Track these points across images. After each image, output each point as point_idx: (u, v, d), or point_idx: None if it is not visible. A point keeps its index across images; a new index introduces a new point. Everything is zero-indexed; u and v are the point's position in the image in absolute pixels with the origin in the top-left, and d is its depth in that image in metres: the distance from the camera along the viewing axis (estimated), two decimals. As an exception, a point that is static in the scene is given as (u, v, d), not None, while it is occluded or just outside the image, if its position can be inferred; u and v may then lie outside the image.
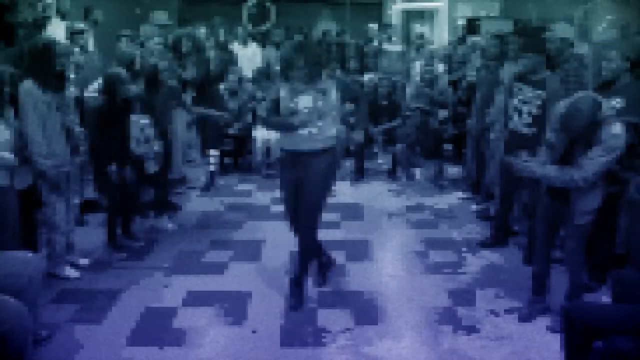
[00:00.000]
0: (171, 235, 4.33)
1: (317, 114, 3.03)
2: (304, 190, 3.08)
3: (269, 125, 3.33)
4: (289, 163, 3.14)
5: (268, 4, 8.67)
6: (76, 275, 3.56)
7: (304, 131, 3.03)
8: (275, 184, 5.62)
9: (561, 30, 4.16)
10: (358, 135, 5.71)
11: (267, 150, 5.97)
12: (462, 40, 7.03)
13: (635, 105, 3.19)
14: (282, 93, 3.11)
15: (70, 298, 3.31)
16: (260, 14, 8.34)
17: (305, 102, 3.05)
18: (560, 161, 2.87)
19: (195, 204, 5.07)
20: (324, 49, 3.10)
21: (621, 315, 2.29)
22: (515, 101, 3.73)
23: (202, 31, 6.53)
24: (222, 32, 7.29)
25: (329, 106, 3.07)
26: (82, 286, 3.46)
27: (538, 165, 2.92)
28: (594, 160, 2.72)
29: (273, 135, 5.92)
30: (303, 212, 3.11)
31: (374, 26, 8.36)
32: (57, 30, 5.68)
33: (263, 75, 6.22)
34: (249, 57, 6.79)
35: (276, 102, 3.12)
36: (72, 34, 5.22)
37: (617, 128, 2.71)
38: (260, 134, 5.94)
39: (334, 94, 3.09)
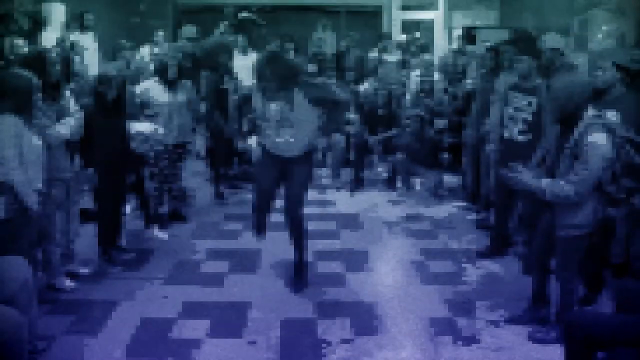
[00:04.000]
0: (168, 245, 4.34)
1: (287, 121, 3.39)
2: (289, 186, 3.55)
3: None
4: (271, 162, 3.57)
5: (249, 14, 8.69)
6: (72, 286, 3.56)
7: (281, 139, 3.44)
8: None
9: (550, 40, 4.21)
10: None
11: None
12: (461, 52, 7.09)
13: (629, 118, 3.17)
14: (257, 99, 3.48)
15: (67, 309, 3.31)
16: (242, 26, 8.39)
17: (273, 109, 3.40)
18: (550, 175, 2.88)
19: (192, 213, 5.08)
20: (293, 64, 3.57)
21: (624, 326, 2.29)
22: (510, 110, 3.79)
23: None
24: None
25: (299, 115, 3.39)
26: (78, 297, 3.46)
27: (532, 178, 2.93)
28: (579, 175, 2.73)
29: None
30: (289, 203, 3.57)
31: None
32: (49, 40, 5.71)
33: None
34: (249, 66, 6.78)
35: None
36: (73, 44, 5.24)
37: (595, 137, 2.70)
38: (254, 142, 5.95)
39: (303, 104, 3.39)
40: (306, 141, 3.50)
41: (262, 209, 3.73)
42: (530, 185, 2.92)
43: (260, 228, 3.82)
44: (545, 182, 2.87)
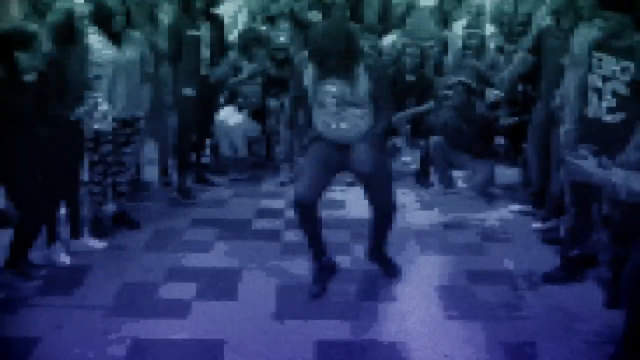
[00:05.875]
0: (109, 262, 4.35)
1: (344, 104, 3.75)
2: (369, 179, 3.89)
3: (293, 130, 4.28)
4: (325, 152, 3.92)
5: None
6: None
7: (343, 123, 3.82)
8: (255, 190, 5.70)
9: None
10: None
11: (231, 144, 6.07)
12: None
13: None
14: (306, 79, 3.80)
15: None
16: None
17: (330, 89, 3.74)
18: None
19: (145, 217, 5.10)
20: (356, 34, 3.85)
21: None
22: (594, 78, 3.76)
23: None
24: None
25: (358, 95, 3.76)
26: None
27: (598, 168, 2.88)
28: None
29: (234, 120, 5.99)
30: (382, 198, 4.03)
31: None
32: None
33: (251, 40, 6.15)
34: (230, 14, 6.77)
35: (300, 90, 3.87)
36: None
37: None
38: (225, 116, 5.99)
39: (364, 82, 3.74)
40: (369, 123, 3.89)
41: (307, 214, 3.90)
42: (595, 177, 2.88)
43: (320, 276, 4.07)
44: (619, 174, 2.82)
